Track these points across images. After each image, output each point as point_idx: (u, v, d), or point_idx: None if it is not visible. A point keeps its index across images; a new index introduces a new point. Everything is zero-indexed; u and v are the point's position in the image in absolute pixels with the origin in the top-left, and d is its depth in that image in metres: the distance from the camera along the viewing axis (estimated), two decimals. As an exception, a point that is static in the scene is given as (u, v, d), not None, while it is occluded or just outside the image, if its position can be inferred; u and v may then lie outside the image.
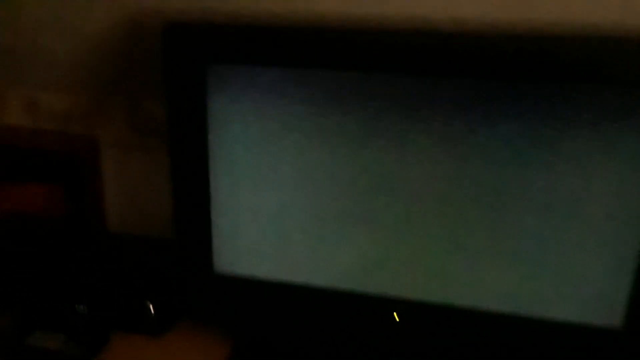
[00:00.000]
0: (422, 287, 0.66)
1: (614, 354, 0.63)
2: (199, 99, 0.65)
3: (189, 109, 0.66)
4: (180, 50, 0.63)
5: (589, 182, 0.58)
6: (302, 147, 0.64)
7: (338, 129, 0.62)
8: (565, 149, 0.57)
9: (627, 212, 0.58)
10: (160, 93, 0.89)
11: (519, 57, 0.55)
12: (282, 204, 0.67)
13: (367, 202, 0.64)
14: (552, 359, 0.65)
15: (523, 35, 0.60)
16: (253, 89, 0.63)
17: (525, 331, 0.64)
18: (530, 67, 0.55)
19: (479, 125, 0.58)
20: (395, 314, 0.68)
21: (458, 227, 0.62)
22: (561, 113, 0.56)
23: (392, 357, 0.72)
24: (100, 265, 0.83)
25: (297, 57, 0.61)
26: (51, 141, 1.02)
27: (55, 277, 0.81)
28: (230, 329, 0.78)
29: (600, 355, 0.63)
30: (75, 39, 0.85)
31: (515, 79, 0.56)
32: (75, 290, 0.78)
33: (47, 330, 0.74)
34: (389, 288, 0.67)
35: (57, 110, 0.98)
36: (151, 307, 0.76)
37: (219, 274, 0.72)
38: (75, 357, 0.72)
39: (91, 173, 1.01)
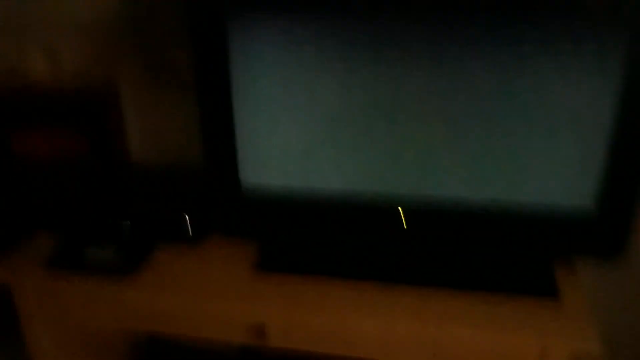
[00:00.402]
0: (423, 183, 0.77)
1: (588, 233, 0.75)
2: (222, 44, 0.74)
3: (212, 53, 0.74)
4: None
5: (561, 85, 0.68)
6: (313, 71, 0.73)
7: (341, 63, 0.71)
8: (543, 62, 0.67)
9: (594, 108, 0.68)
10: (179, 38, 0.97)
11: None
12: (298, 123, 0.77)
13: (372, 115, 0.74)
14: (532, 238, 0.77)
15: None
16: (271, 33, 0.72)
17: (514, 216, 0.75)
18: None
19: (468, 47, 0.68)
20: (400, 208, 0.79)
21: (453, 129, 0.73)
22: (540, 35, 0.66)
23: (399, 249, 0.84)
24: (138, 188, 0.93)
25: (305, 4, 0.69)
26: (74, 86, 1.11)
27: (101, 201, 0.91)
28: (256, 235, 0.89)
29: (573, 231, 0.75)
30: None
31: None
32: (121, 209, 0.89)
33: (100, 243, 0.85)
34: (394, 187, 0.78)
35: (78, 57, 1.06)
36: (187, 218, 0.87)
37: (244, 187, 0.83)
38: (125, 263, 0.83)
39: (113, 114, 1.10)
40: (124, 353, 1.11)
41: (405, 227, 0.79)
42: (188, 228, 0.87)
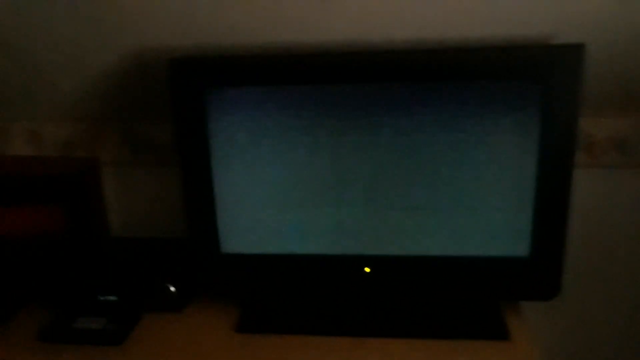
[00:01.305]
0: (381, 243, 0.87)
1: (527, 279, 0.86)
2: (201, 117, 0.84)
3: (192, 126, 0.85)
4: (184, 79, 0.83)
5: (490, 152, 0.81)
6: (283, 147, 0.84)
7: (308, 132, 0.83)
8: (472, 132, 0.80)
9: (520, 170, 0.81)
10: (154, 116, 1.07)
11: (436, 65, 0.78)
12: (272, 194, 0.87)
13: (335, 184, 0.85)
14: (481, 287, 0.87)
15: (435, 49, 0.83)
16: (244, 106, 0.83)
17: (457, 268, 0.86)
18: (443, 74, 0.78)
19: (413, 122, 0.81)
20: (366, 268, 0.89)
21: (403, 194, 0.84)
22: (466, 107, 0.79)
23: (365, 301, 0.93)
24: (121, 262, 1.00)
25: (273, 77, 0.81)
26: (53, 165, 1.18)
27: (86, 277, 0.97)
28: (236, 299, 0.97)
29: (516, 279, 0.86)
30: (81, 75, 1.01)
31: (433, 83, 0.79)
32: (106, 282, 0.95)
33: (89, 316, 0.91)
34: (359, 248, 0.88)
35: (59, 138, 1.14)
36: (172, 288, 0.94)
37: (224, 253, 0.91)
38: (115, 334, 0.89)
39: (93, 190, 1.18)
40: None
41: (370, 284, 0.89)
42: (172, 297, 0.94)
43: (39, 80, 1.03)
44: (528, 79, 0.78)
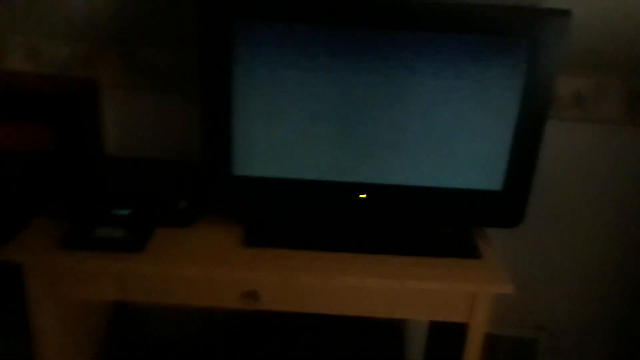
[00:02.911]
0: (370, 172, 1.00)
1: (498, 209, 1.02)
2: (227, 46, 0.91)
3: (218, 53, 0.92)
4: (214, 7, 0.89)
5: (478, 97, 0.94)
6: (297, 80, 0.93)
7: (320, 69, 0.92)
8: (463, 78, 0.92)
9: (502, 115, 0.95)
10: (155, 40, 1.11)
11: (438, 16, 0.89)
12: (282, 123, 0.96)
13: (337, 119, 0.96)
14: (459, 215, 1.02)
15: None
16: (267, 39, 0.91)
17: (439, 198, 1.00)
18: (444, 25, 0.89)
19: (410, 66, 0.92)
20: (361, 195, 1.01)
21: (392, 130, 0.96)
22: (461, 56, 0.91)
23: (359, 223, 1.06)
24: (130, 179, 1.07)
25: (297, 15, 0.89)
26: (53, 84, 1.20)
27: (98, 191, 1.04)
28: (243, 218, 1.07)
29: (489, 208, 1.02)
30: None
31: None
32: (118, 198, 1.02)
33: (109, 226, 0.99)
34: (354, 176, 1.00)
35: (58, 56, 1.16)
36: (181, 203, 1.03)
37: (234, 175, 1.00)
38: (135, 241, 0.97)
39: (88, 111, 1.21)
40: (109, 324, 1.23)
41: (364, 209, 1.02)
42: (182, 212, 1.03)
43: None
44: (519, 35, 0.90)
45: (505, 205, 1.01)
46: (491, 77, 0.92)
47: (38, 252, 0.95)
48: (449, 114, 0.95)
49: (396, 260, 0.98)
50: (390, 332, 1.34)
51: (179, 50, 1.14)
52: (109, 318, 1.27)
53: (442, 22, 0.90)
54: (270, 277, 0.95)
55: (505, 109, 0.95)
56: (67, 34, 1.14)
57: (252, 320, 1.32)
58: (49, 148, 1.21)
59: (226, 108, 0.95)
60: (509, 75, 0.92)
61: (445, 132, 0.96)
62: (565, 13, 0.88)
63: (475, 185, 1.00)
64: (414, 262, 0.98)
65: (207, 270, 0.95)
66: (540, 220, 1.25)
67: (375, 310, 0.98)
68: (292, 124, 0.96)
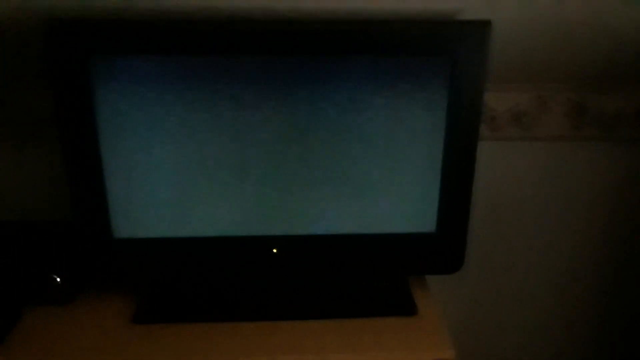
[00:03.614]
0: (288, 223, 0.83)
1: (432, 251, 0.86)
2: (85, 87, 0.74)
3: (75, 97, 0.75)
4: (65, 43, 0.72)
5: (397, 128, 0.79)
6: (178, 121, 0.77)
7: (205, 106, 0.76)
8: (379, 107, 0.77)
9: (427, 146, 0.80)
10: (32, 84, 0.94)
11: (343, 37, 0.74)
12: (168, 172, 0.79)
13: (235, 162, 0.79)
14: (389, 263, 0.87)
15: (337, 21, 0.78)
16: (131, 75, 0.74)
17: (365, 245, 0.85)
18: (351, 46, 0.74)
19: (319, 97, 0.76)
20: (275, 249, 0.85)
21: (308, 172, 0.80)
22: (373, 81, 0.76)
23: (273, 284, 0.89)
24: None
25: (167, 46, 0.73)
26: None
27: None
28: (133, 287, 0.89)
29: (423, 253, 0.86)
30: None
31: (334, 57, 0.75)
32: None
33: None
34: (264, 229, 0.84)
35: None
36: (57, 278, 0.84)
37: (117, 239, 0.83)
38: (-9, 333, 0.79)
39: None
40: None
41: (278, 266, 0.85)
42: (58, 288, 0.85)
43: None
44: (437, 53, 0.76)
45: (442, 247, 0.86)
46: (411, 104, 0.78)
47: None
48: (366, 149, 0.80)
49: (317, 326, 0.82)
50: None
51: (37, 91, 0.95)
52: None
53: (348, 44, 0.75)
54: (160, 364, 0.77)
55: (429, 138, 0.80)
56: None
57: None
58: None
59: (95, 159, 0.78)
60: (431, 99, 0.78)
61: (364, 170, 0.81)
62: (484, 24, 0.74)
63: (405, 229, 0.85)
64: (338, 327, 0.82)
65: (82, 362, 0.77)
66: (485, 260, 1.10)
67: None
68: (178, 173, 0.80)
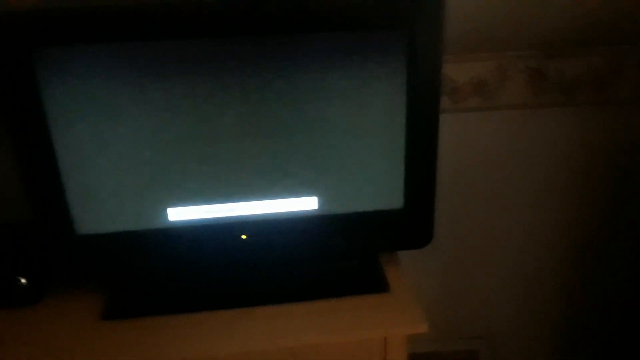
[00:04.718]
0: (254, 207, 0.82)
1: (401, 227, 0.87)
2: (30, 81, 0.71)
3: (21, 91, 0.72)
4: (6, 37, 0.69)
5: (359, 104, 0.78)
6: (127, 108, 0.74)
7: (153, 92, 0.74)
8: (341, 84, 0.76)
9: (389, 121, 0.79)
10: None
11: (298, 15, 0.72)
12: (125, 163, 0.77)
13: (193, 146, 0.78)
14: (359, 241, 0.87)
15: None
16: (79, 65, 0.72)
17: (334, 225, 0.85)
18: (307, 23, 0.73)
19: (276, 77, 0.75)
20: (243, 236, 0.84)
21: (271, 153, 0.79)
22: (332, 58, 0.75)
23: (243, 270, 0.88)
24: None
25: (108, 33, 0.71)
26: None
27: None
28: (100, 284, 0.88)
29: (392, 230, 0.87)
30: None
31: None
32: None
33: None
34: (231, 214, 0.82)
35: None
36: (22, 279, 0.82)
37: (80, 235, 0.81)
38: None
39: None
40: None
41: (247, 251, 0.85)
42: (24, 290, 0.82)
43: None
44: (393, 26, 0.75)
45: (410, 223, 0.86)
46: (370, 80, 0.77)
47: None
48: (329, 127, 0.79)
49: (292, 309, 0.82)
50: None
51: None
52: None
53: (303, 21, 0.73)
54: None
55: (391, 113, 0.79)
56: None
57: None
58: None
59: (48, 155, 0.75)
60: (389, 74, 0.77)
61: (329, 149, 0.80)
62: (438, -6, 0.73)
63: (373, 206, 0.85)
64: (312, 309, 0.82)
65: (53, 362, 0.75)
66: (456, 228, 1.11)
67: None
68: (135, 162, 0.78)
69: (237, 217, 0.83)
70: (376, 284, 0.86)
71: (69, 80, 0.72)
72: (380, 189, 0.84)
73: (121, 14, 0.71)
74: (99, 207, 0.80)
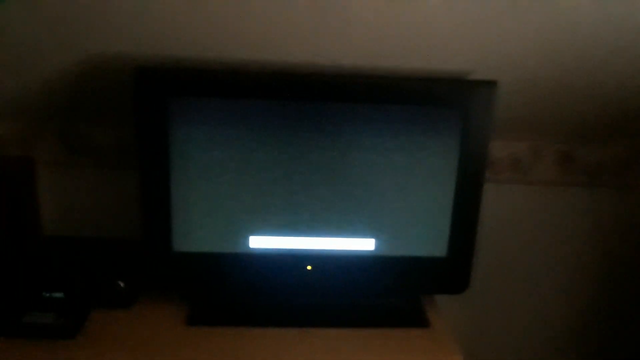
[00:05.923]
0: (321, 243, 0.99)
1: (444, 275, 1.02)
2: (163, 124, 0.91)
3: (154, 131, 0.91)
4: (149, 86, 0.89)
5: (416, 169, 0.95)
6: (236, 156, 0.93)
7: (259, 145, 0.92)
8: (402, 152, 0.94)
9: (441, 185, 0.96)
10: (92, 117, 1.10)
11: (374, 90, 0.91)
12: (223, 199, 0.95)
13: (279, 194, 0.95)
14: (406, 283, 1.01)
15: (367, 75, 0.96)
16: (203, 115, 0.91)
17: (386, 266, 1.00)
18: (380, 98, 0.91)
19: (350, 141, 0.93)
20: (308, 267, 0.99)
21: (343, 206, 0.96)
22: (398, 129, 0.93)
23: (305, 295, 1.03)
24: (65, 259, 1.02)
25: (231, 91, 0.90)
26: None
27: (28, 274, 0.98)
28: (186, 295, 1.03)
29: (435, 275, 1.01)
30: (29, 77, 1.02)
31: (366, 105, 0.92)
32: (50, 280, 0.97)
33: (39, 311, 0.93)
34: (302, 247, 0.99)
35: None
36: (121, 283, 0.98)
37: (176, 252, 0.97)
38: (66, 327, 0.92)
39: (26, 190, 1.17)
40: None
41: (311, 281, 1.00)
42: (121, 293, 0.98)
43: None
44: (449, 107, 0.93)
45: (451, 271, 1.01)
46: (428, 147, 0.95)
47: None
48: (391, 184, 0.96)
49: (346, 333, 0.96)
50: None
51: (116, 126, 1.12)
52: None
53: (379, 95, 0.92)
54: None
55: (443, 177, 0.96)
56: (7, 114, 1.11)
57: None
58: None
59: (165, 185, 0.94)
60: (445, 144, 0.94)
61: (388, 202, 0.97)
62: (491, 84, 0.92)
63: (420, 253, 1.00)
64: (362, 335, 0.96)
65: (146, 357, 0.89)
66: (487, 285, 1.25)
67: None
68: (231, 198, 0.95)
69: (305, 250, 0.99)
70: (418, 320, 1.00)
71: (192, 126, 0.91)
72: (428, 239, 0.99)
73: (237, 77, 0.90)
74: (195, 230, 0.96)
